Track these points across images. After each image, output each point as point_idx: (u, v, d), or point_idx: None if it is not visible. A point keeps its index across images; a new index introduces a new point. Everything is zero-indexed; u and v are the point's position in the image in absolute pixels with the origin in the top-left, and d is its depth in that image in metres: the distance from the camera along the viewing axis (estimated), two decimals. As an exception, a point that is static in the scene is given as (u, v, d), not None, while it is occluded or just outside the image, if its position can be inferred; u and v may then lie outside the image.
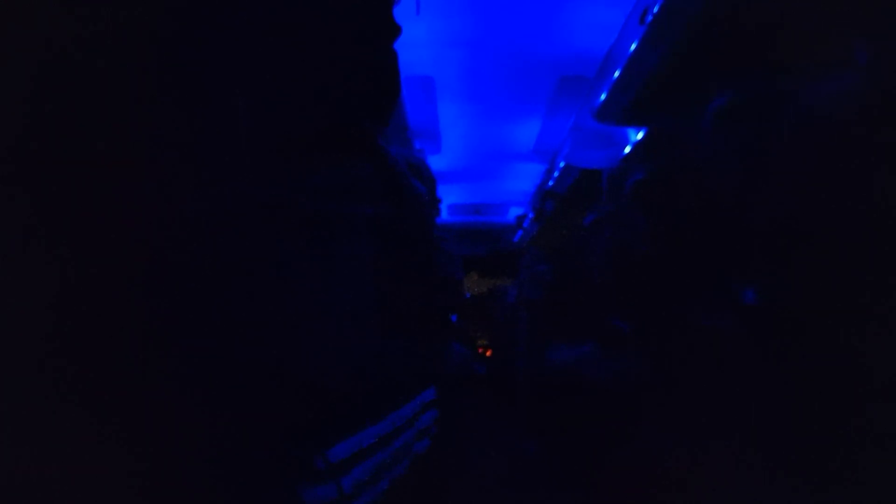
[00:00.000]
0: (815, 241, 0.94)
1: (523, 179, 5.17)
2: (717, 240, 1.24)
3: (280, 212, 0.60)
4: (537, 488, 2.35)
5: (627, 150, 2.80)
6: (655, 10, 1.81)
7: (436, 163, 4.46)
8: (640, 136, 2.57)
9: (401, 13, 0.73)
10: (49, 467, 0.49)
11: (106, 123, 0.52)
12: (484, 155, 4.65)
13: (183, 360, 0.53)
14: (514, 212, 6.21)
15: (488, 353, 5.85)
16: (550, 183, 4.28)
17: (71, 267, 0.50)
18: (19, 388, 0.49)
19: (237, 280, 0.56)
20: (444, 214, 6.12)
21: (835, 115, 0.94)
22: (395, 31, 0.72)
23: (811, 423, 0.89)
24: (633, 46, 2.04)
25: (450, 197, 5.70)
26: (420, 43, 2.88)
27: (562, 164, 3.87)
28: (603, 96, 2.43)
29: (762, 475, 0.95)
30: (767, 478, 0.95)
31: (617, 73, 2.24)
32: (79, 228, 0.51)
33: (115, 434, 0.51)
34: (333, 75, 0.65)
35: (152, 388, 0.52)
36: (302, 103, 0.63)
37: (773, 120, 1.09)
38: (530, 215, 5.51)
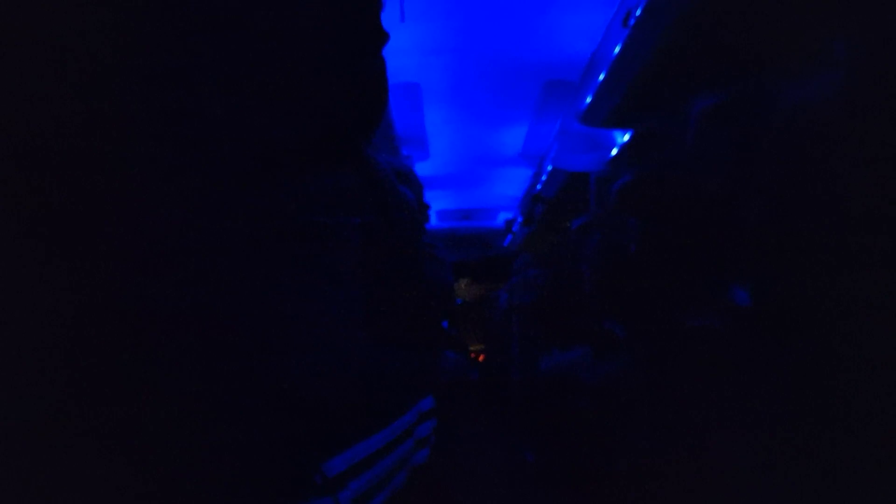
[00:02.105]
0: (803, 240, 0.94)
1: (511, 184, 5.19)
2: (706, 241, 1.25)
3: (269, 222, 0.59)
4: (538, 496, 2.34)
5: (614, 152, 2.81)
6: (638, 12, 1.82)
7: (424, 169, 4.46)
8: (626, 138, 2.59)
9: (385, 20, 0.72)
10: (48, 474, 0.48)
11: (91, 131, 0.51)
12: (472, 160, 4.66)
13: (175, 375, 0.53)
14: (504, 216, 6.22)
15: (481, 359, 5.85)
16: (538, 187, 4.30)
17: (62, 279, 0.50)
18: (19, 398, 0.48)
19: (229, 293, 0.55)
20: (434, 220, 6.13)
21: (819, 113, 0.94)
22: (383, 37, 0.71)
23: (805, 423, 0.89)
24: (617, 49, 2.05)
25: (439, 203, 5.70)
26: (405, 50, 2.88)
27: (549, 168, 3.89)
28: (588, 100, 2.45)
29: (757, 475, 0.95)
30: (763, 478, 0.95)
31: (602, 77, 2.25)
32: (68, 240, 0.50)
33: (108, 450, 0.50)
34: (320, 84, 0.64)
35: (144, 405, 0.51)
36: (289, 112, 0.62)
37: (758, 120, 1.09)
38: (519, 219, 5.53)
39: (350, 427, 0.68)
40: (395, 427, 0.77)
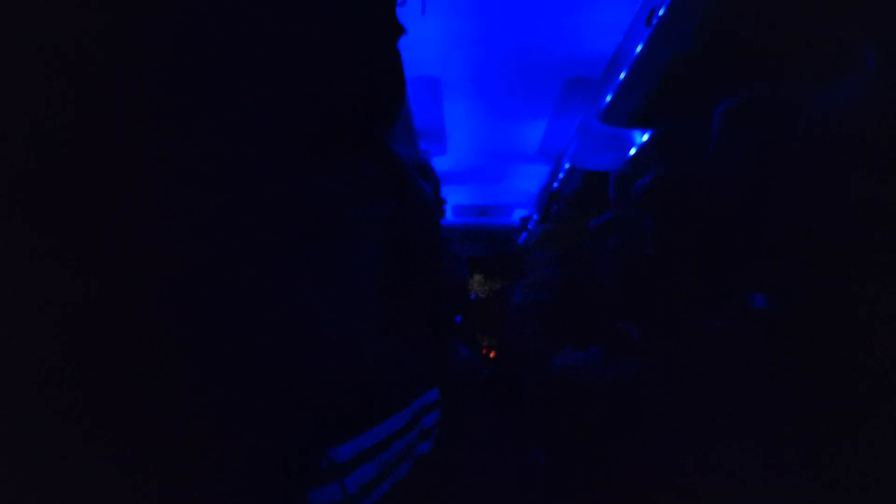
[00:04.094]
0: (823, 244, 0.93)
1: (528, 181, 5.17)
2: (725, 243, 1.24)
3: (285, 213, 0.59)
4: (544, 494, 2.34)
5: (633, 151, 2.79)
6: (661, 11, 1.80)
7: (441, 163, 4.46)
8: (645, 138, 2.56)
9: (406, 13, 0.73)
10: (54, 469, 0.49)
11: (108, 126, 0.52)
12: (489, 156, 4.65)
13: (188, 362, 0.53)
14: (519, 213, 6.20)
15: (492, 355, 5.85)
16: (556, 184, 4.28)
17: (76, 272, 0.50)
18: (25, 393, 0.49)
19: (242, 282, 0.56)
20: (449, 215, 6.13)
21: (842, 118, 0.93)
22: (398, 30, 0.72)
23: (822, 428, 0.89)
24: (639, 48, 2.03)
25: (455, 198, 5.70)
26: (426, 43, 2.87)
27: (567, 166, 3.87)
28: (609, 98, 2.43)
29: (773, 482, 0.95)
30: (778, 485, 0.94)
31: (623, 75, 2.23)
32: (82, 234, 0.51)
33: (121, 435, 0.51)
34: (337, 76, 0.64)
35: (157, 390, 0.52)
36: (306, 104, 0.62)
37: (781, 123, 1.08)
38: (535, 217, 5.50)
39: (359, 415, 0.69)
40: (402, 416, 0.78)
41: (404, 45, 0.74)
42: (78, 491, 0.49)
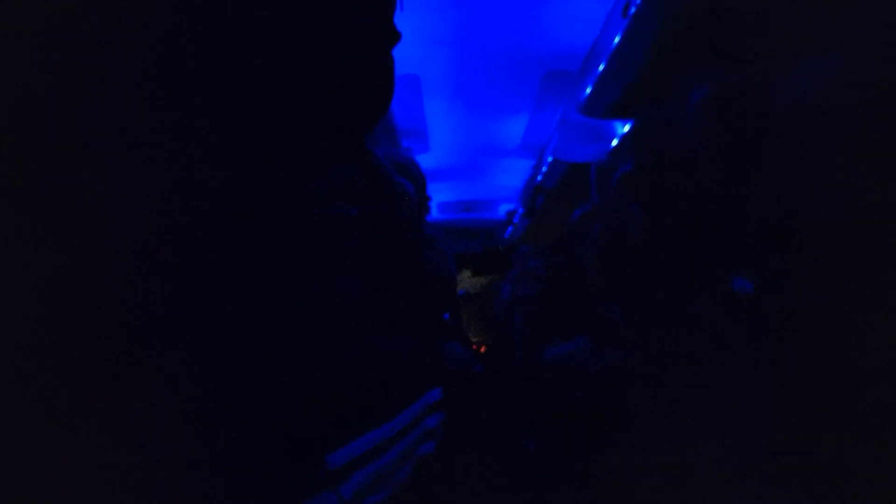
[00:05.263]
0: (803, 230, 0.94)
1: (512, 175, 5.18)
2: (707, 229, 1.25)
3: (271, 215, 0.59)
4: (538, 487, 2.36)
5: (615, 143, 2.81)
6: (638, 2, 1.81)
7: (424, 161, 4.44)
8: (626, 129, 2.58)
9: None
10: (43, 470, 0.48)
11: (92, 123, 0.51)
12: (472, 152, 4.65)
13: (176, 366, 0.53)
14: (505, 208, 6.22)
15: (483, 349, 5.87)
16: (539, 178, 4.29)
17: (59, 271, 0.50)
18: (11, 392, 0.49)
19: (229, 284, 0.55)
20: (435, 213, 6.12)
21: (818, 104, 0.94)
22: (395, 37, 0.72)
23: (804, 417, 0.90)
24: (616, 39, 2.04)
25: (439, 195, 5.70)
26: (404, 41, 2.86)
27: (550, 159, 3.88)
28: (588, 90, 2.44)
29: (757, 472, 0.96)
30: (762, 474, 0.95)
31: (601, 67, 2.24)
32: (66, 231, 0.51)
33: (107, 442, 0.50)
34: (331, 83, 0.64)
35: (145, 395, 0.52)
36: (297, 109, 0.62)
37: (758, 109, 1.09)
38: (520, 211, 5.52)
39: (355, 419, 0.69)
40: (402, 419, 0.78)
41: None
42: (64, 487, 0.49)
